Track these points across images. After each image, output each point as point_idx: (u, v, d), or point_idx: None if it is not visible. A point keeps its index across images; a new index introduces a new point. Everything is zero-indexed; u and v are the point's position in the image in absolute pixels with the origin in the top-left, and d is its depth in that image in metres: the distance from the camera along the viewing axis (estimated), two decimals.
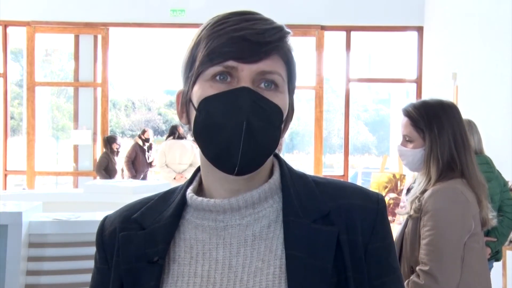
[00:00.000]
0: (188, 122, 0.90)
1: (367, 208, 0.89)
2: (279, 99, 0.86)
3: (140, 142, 7.82)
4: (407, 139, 2.11)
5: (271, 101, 0.84)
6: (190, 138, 0.92)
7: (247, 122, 0.81)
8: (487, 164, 3.20)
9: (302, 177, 0.93)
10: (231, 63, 0.84)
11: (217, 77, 0.85)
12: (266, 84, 0.85)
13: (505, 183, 3.31)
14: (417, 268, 1.95)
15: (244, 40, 0.83)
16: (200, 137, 0.86)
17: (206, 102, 0.84)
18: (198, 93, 0.86)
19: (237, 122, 0.81)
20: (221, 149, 0.83)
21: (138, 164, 7.73)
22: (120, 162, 7.76)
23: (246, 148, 0.82)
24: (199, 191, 0.93)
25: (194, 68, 0.87)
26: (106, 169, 7.27)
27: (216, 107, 0.83)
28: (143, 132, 8.12)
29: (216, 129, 0.83)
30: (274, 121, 0.85)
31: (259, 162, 0.86)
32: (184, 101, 0.90)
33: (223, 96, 0.83)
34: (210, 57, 0.85)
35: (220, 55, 0.84)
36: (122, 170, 7.78)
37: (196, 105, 0.86)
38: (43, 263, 3.03)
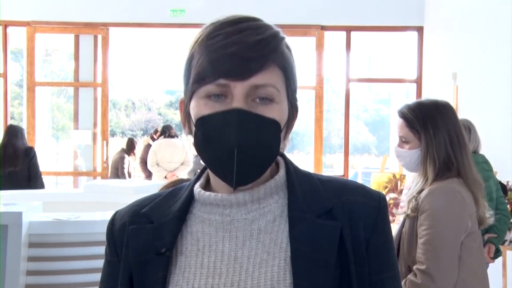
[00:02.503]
0: (190, 133, 0.93)
1: (369, 205, 0.91)
2: (275, 111, 0.87)
3: (151, 142, 7.80)
4: (403, 140, 2.13)
5: (264, 117, 0.86)
6: (184, 137, 0.93)
7: (239, 147, 0.83)
8: (486, 163, 3.23)
9: (307, 175, 0.95)
10: (222, 81, 0.84)
11: (212, 97, 0.86)
12: (260, 99, 0.86)
13: (497, 181, 3.37)
14: (414, 267, 1.96)
15: (234, 57, 0.83)
16: (200, 153, 0.89)
17: (202, 121, 0.86)
18: (194, 110, 0.88)
19: (229, 148, 0.84)
20: (219, 168, 0.87)
21: None
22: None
23: (240, 170, 0.85)
24: (207, 187, 0.96)
25: (189, 83, 0.89)
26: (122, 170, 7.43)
27: (209, 128, 0.86)
28: (155, 131, 8.14)
29: (212, 149, 0.86)
30: (269, 135, 0.86)
31: (256, 176, 0.89)
32: (185, 111, 0.93)
33: (215, 118, 0.85)
34: (202, 75, 0.86)
35: (211, 73, 0.85)
36: (130, 175, 7.80)
37: (194, 121, 0.88)
38: (43, 263, 3.03)
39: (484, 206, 2.06)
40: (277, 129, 0.87)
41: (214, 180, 0.94)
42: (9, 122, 7.41)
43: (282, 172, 0.94)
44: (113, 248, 0.96)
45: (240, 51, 0.83)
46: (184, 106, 0.92)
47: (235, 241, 0.89)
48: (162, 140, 7.08)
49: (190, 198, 0.94)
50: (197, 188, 0.95)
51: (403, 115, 2.12)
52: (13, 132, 5.38)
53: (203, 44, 0.87)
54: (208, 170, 0.95)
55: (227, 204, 0.90)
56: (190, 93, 0.89)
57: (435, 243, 1.92)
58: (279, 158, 0.96)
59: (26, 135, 5.58)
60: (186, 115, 0.92)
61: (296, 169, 0.95)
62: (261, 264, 0.86)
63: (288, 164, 0.95)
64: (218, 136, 0.84)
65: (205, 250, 0.89)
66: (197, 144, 0.89)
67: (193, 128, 0.89)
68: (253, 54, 0.84)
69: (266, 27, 0.87)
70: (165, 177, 6.86)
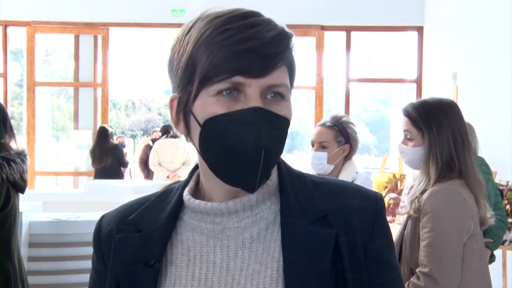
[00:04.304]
0: (188, 133, 0.87)
1: (366, 208, 0.88)
2: (286, 109, 0.84)
3: (151, 143, 7.80)
4: (408, 136, 2.11)
5: (282, 117, 0.83)
6: (183, 137, 0.90)
7: (265, 148, 0.80)
8: (486, 165, 3.23)
9: (300, 177, 0.91)
10: (238, 79, 0.79)
11: (224, 92, 0.80)
12: (272, 95, 0.82)
13: (497, 187, 3.36)
14: (417, 270, 1.94)
15: (251, 53, 0.79)
16: (209, 156, 0.84)
17: (214, 120, 0.80)
18: (202, 109, 0.81)
19: (256, 149, 0.80)
20: (236, 172, 0.82)
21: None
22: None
23: (263, 170, 0.81)
24: (196, 191, 0.92)
25: (195, 79, 0.82)
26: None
27: (227, 128, 0.80)
28: (154, 132, 8.19)
29: (230, 151, 0.80)
30: (284, 135, 0.84)
31: (268, 175, 0.88)
32: (181, 110, 0.86)
33: (235, 117, 0.80)
34: (215, 72, 0.79)
35: (226, 70, 0.79)
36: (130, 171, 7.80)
37: (200, 121, 0.82)
38: (43, 263, 3.03)
39: (485, 207, 2.05)
40: (288, 127, 0.85)
41: (208, 184, 0.89)
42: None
43: (274, 175, 0.89)
44: (100, 256, 0.93)
45: (257, 48, 0.79)
46: (182, 104, 0.85)
47: (226, 251, 0.85)
48: (163, 140, 7.09)
49: (180, 204, 0.89)
50: (186, 194, 0.89)
51: (407, 113, 2.10)
52: (100, 133, 6.79)
53: (212, 38, 0.80)
54: (201, 176, 0.91)
55: (218, 213, 0.86)
56: (195, 91, 0.82)
57: (437, 245, 1.91)
58: None
59: (107, 133, 6.81)
60: (183, 112, 0.85)
61: (289, 170, 0.91)
62: (253, 275, 0.83)
63: (281, 165, 0.91)
64: (239, 136, 0.79)
65: (196, 260, 0.86)
66: (205, 146, 0.83)
67: (195, 129, 0.84)
68: (270, 51, 0.80)
69: (274, 22, 0.83)
70: (167, 177, 6.86)
